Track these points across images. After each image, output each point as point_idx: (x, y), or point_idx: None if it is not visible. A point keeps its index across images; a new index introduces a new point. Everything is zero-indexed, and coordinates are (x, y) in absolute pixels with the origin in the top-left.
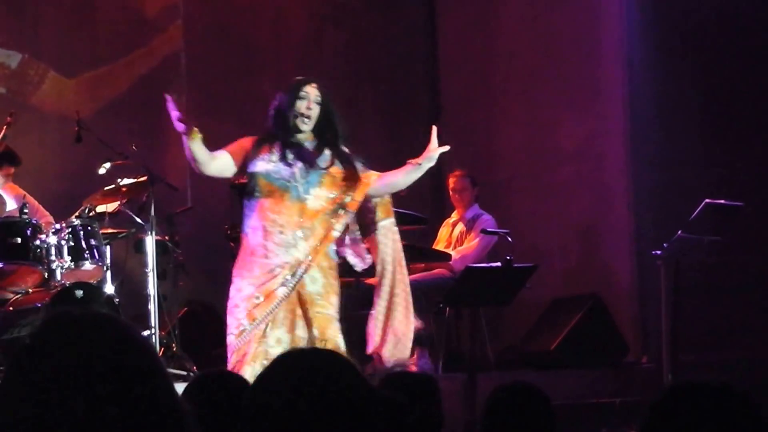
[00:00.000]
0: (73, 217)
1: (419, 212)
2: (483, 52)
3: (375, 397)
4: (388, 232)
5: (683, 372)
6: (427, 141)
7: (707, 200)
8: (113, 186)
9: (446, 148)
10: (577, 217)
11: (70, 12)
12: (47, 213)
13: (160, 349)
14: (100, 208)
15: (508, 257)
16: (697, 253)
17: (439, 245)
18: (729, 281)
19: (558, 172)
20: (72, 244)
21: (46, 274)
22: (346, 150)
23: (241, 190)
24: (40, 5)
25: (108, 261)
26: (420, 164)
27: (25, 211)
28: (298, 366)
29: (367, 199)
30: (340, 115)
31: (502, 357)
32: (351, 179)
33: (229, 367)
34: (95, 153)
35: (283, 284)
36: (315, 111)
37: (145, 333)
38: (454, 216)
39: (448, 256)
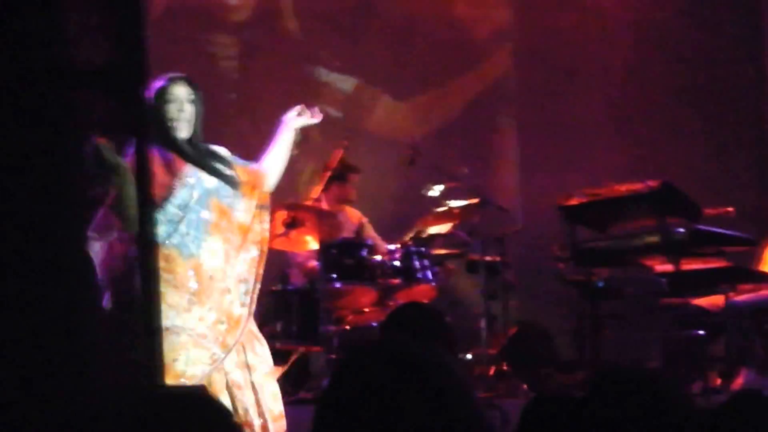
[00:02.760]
0: (406, 238)
1: (745, 233)
2: None
3: None
4: None
5: None
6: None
7: None
8: (445, 208)
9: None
10: None
11: (400, 36)
12: (382, 242)
13: (490, 368)
14: (431, 230)
15: None
16: None
17: (765, 266)
18: None
19: None
20: (405, 264)
21: (380, 294)
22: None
23: (570, 212)
24: (372, 30)
25: (439, 282)
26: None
27: (361, 233)
28: None
29: None
30: None
31: None
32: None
33: None
34: (426, 176)
35: (242, 304)
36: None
37: (468, 356)
38: None
39: None
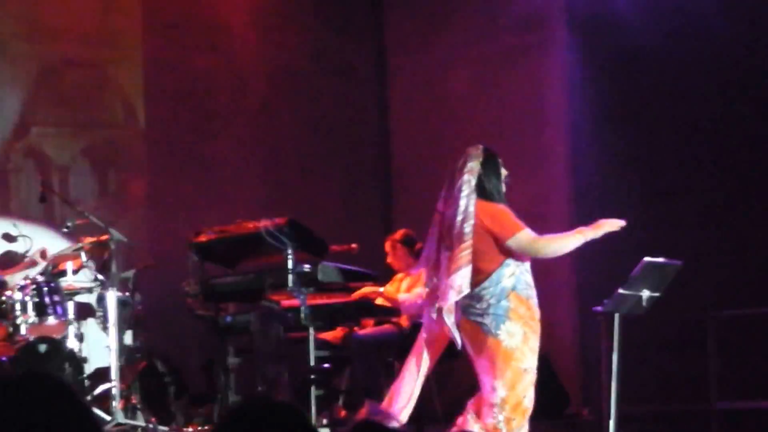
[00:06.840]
0: (37, 273)
1: (370, 269)
2: (433, 115)
3: None
4: None
5: (626, 424)
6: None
7: (646, 258)
8: (76, 244)
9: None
10: None
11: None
12: None
13: (121, 401)
14: (63, 265)
15: None
16: (636, 309)
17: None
18: (668, 335)
19: None
20: (36, 300)
21: (10, 329)
22: None
23: (199, 249)
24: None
25: (71, 316)
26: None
27: None
28: None
29: None
30: None
31: (450, 410)
32: None
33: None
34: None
35: None
36: None
37: (106, 386)
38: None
39: (397, 312)
